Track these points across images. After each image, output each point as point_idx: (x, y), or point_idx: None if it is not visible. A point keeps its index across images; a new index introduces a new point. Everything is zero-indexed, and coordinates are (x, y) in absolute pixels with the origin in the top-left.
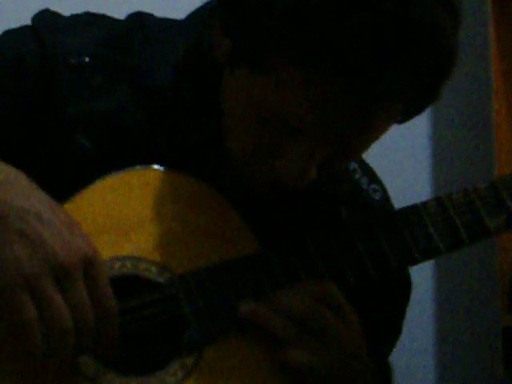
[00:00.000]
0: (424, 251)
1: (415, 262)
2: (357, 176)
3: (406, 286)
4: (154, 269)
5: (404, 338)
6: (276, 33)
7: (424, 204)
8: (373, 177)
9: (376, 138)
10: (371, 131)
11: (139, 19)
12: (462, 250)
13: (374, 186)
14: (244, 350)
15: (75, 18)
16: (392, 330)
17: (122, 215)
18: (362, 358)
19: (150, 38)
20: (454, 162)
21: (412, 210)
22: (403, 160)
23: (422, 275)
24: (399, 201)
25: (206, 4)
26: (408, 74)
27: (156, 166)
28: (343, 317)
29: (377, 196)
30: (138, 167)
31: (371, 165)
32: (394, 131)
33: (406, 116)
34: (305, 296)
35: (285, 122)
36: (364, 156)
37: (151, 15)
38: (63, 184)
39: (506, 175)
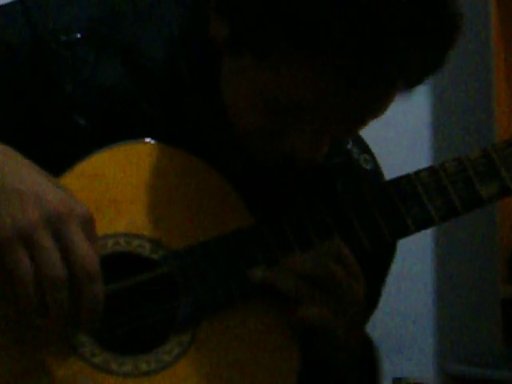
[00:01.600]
0: (418, 222)
1: (410, 233)
2: (348, 146)
3: (390, 252)
4: (147, 245)
5: (404, 311)
6: (280, 19)
7: (417, 173)
8: (363, 147)
9: (383, 110)
10: (379, 105)
11: None
12: (461, 223)
13: (365, 155)
14: (239, 326)
15: None
16: (373, 295)
17: (113, 191)
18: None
19: (140, 13)
20: (453, 146)
21: (405, 181)
22: (403, 149)
23: (421, 248)
24: None
25: None
26: (413, 48)
27: (147, 139)
28: (354, 274)
29: (368, 166)
30: (130, 141)
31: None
32: (396, 120)
33: (408, 86)
34: (317, 256)
35: (295, 104)
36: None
37: None
38: (60, 163)
39: (499, 143)
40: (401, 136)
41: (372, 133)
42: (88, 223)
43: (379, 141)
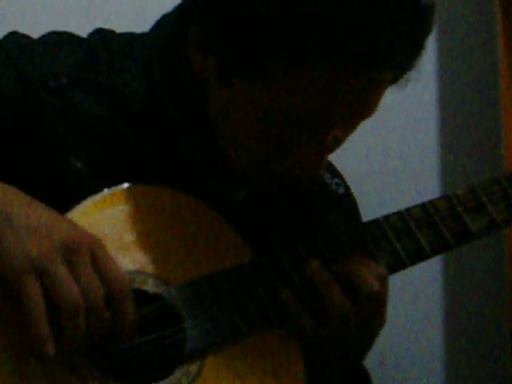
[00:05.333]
0: (412, 255)
1: (405, 266)
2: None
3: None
4: (150, 281)
5: (412, 339)
6: (266, 41)
7: (408, 211)
8: (334, 171)
9: (376, 107)
10: (373, 102)
11: (101, 37)
12: (470, 254)
13: (336, 179)
14: (246, 356)
15: (45, 39)
16: None
17: (113, 232)
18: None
19: (114, 55)
20: (461, 153)
21: (397, 217)
22: (411, 156)
23: (430, 276)
24: (407, 197)
25: (165, 16)
26: (396, 41)
27: (142, 184)
28: (384, 304)
29: (340, 190)
30: (123, 185)
31: (380, 161)
32: (403, 125)
33: (396, 77)
34: (372, 275)
35: (292, 119)
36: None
37: (111, 31)
38: (58, 206)
39: (484, 179)
40: (408, 141)
41: (378, 139)
42: (99, 248)
43: (386, 148)
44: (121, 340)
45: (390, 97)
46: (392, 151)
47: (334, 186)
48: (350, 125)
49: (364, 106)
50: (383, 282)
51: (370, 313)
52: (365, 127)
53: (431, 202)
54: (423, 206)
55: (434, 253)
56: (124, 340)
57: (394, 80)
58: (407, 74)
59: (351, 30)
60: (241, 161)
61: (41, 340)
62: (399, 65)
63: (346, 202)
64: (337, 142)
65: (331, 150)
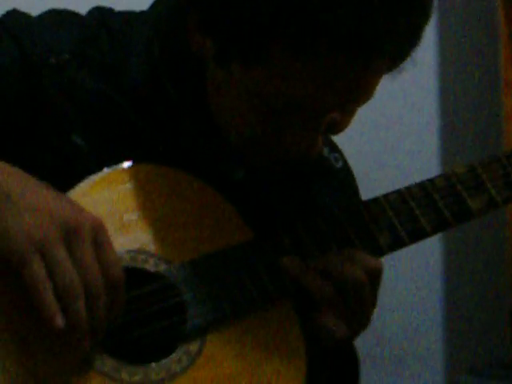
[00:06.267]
0: (411, 234)
1: (405, 244)
2: None
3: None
4: (151, 260)
5: (413, 323)
6: (264, 26)
7: (407, 189)
8: (333, 145)
9: (372, 93)
10: (369, 89)
11: (100, 15)
12: (471, 234)
13: (335, 154)
14: (246, 334)
15: (44, 16)
16: None
17: (113, 211)
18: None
19: (113, 33)
20: (462, 135)
21: (396, 196)
22: (411, 136)
23: (430, 259)
24: (407, 178)
25: None
26: (392, 29)
27: (141, 162)
28: (376, 294)
29: (338, 164)
30: (125, 164)
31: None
32: (404, 111)
33: (392, 65)
34: (357, 265)
35: (291, 103)
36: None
37: (110, 9)
38: (59, 183)
39: (484, 159)
40: (409, 139)
41: (381, 135)
42: (100, 231)
43: (388, 144)
44: (96, 332)
45: (392, 83)
46: (393, 132)
47: (332, 161)
48: (346, 110)
49: (359, 93)
50: (372, 274)
51: (355, 303)
52: (367, 111)
53: (430, 180)
54: (423, 185)
55: (434, 231)
56: (111, 323)
57: (391, 68)
58: (404, 63)
59: (346, 17)
60: (238, 141)
61: (49, 314)
62: (395, 53)
63: (344, 176)
64: (337, 126)
65: (334, 132)
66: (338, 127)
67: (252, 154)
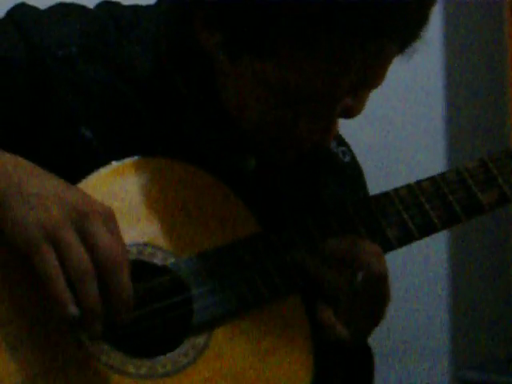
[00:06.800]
0: (421, 229)
1: (414, 239)
2: None
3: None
4: (159, 254)
5: (418, 318)
6: (273, 18)
7: (418, 183)
8: (340, 140)
9: (383, 78)
10: (380, 73)
11: (108, 8)
12: (477, 231)
13: (342, 148)
14: (253, 328)
15: (52, 9)
16: None
17: (121, 205)
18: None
19: (121, 27)
20: (468, 128)
21: (406, 190)
22: (418, 136)
23: (436, 254)
24: (414, 173)
25: None
26: (400, 12)
27: (151, 155)
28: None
29: (346, 158)
30: (134, 157)
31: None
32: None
33: (402, 48)
34: (381, 258)
35: (303, 94)
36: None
37: (118, 3)
38: (67, 176)
39: (494, 152)
40: (417, 134)
41: (388, 130)
42: (110, 218)
43: (395, 139)
44: (117, 313)
45: (400, 80)
46: (400, 128)
47: (340, 155)
48: (358, 95)
49: (370, 78)
50: (379, 259)
51: (377, 291)
52: (375, 107)
53: (441, 174)
54: (433, 179)
55: (444, 226)
56: (120, 313)
57: (400, 51)
58: (413, 45)
59: (357, 2)
60: (250, 131)
61: (63, 301)
62: (404, 36)
63: (352, 171)
64: (350, 111)
65: (348, 117)
66: (352, 112)
67: (265, 143)
